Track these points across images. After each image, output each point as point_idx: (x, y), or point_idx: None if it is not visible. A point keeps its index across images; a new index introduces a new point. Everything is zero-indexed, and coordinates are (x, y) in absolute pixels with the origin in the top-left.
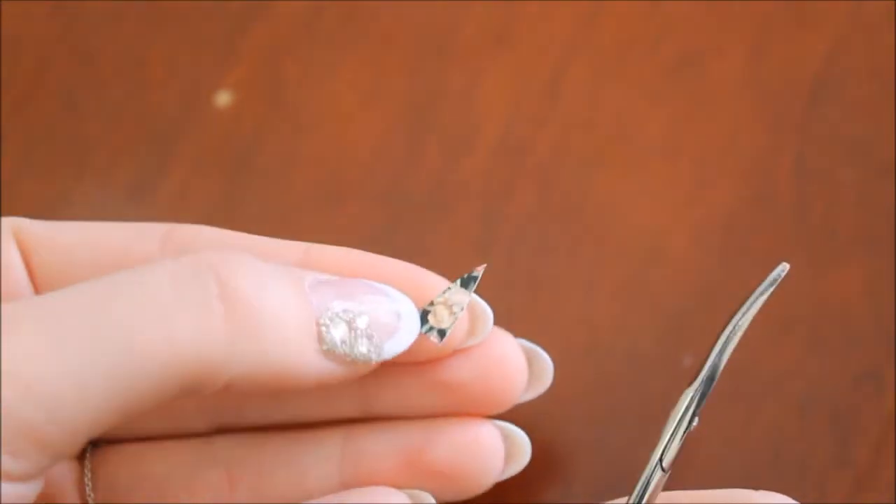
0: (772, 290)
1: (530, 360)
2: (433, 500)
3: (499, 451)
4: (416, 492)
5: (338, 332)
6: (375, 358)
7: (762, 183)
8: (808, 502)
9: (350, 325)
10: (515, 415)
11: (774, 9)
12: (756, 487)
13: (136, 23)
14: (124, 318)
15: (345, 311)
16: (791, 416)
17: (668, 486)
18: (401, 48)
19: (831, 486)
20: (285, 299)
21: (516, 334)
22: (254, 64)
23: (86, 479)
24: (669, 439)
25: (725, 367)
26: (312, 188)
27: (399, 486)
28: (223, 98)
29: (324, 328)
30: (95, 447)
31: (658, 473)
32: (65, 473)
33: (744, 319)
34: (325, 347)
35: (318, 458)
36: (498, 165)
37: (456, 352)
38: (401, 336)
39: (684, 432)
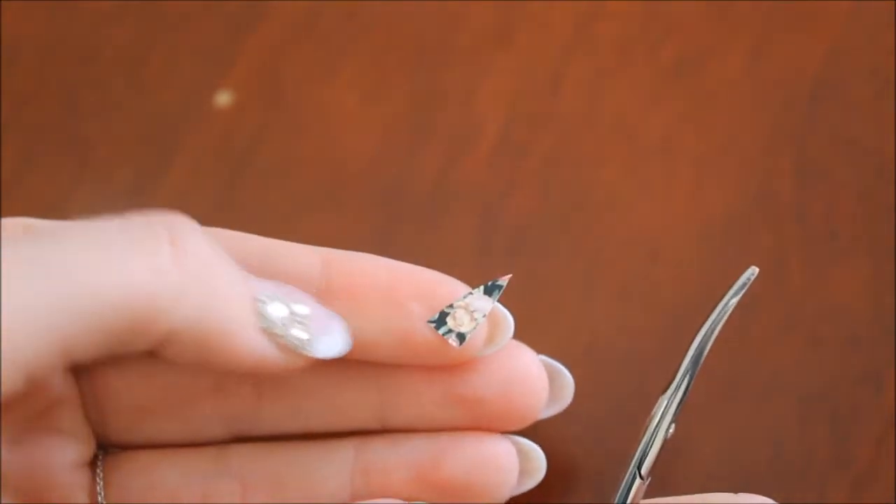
0: (741, 293)
1: (551, 377)
2: None
3: (513, 467)
4: None
5: (276, 311)
6: (310, 349)
7: (762, 183)
8: (808, 502)
9: (288, 308)
10: None
11: (774, 9)
12: (756, 488)
13: (136, 23)
14: (70, 252)
15: (284, 295)
16: (791, 416)
17: (669, 486)
18: (401, 48)
19: (831, 486)
20: (229, 269)
21: (516, 335)
22: (254, 64)
23: (98, 488)
24: (646, 447)
25: (725, 368)
26: (312, 188)
27: (409, 500)
28: (223, 98)
29: (262, 304)
30: (107, 454)
31: (637, 482)
32: (76, 480)
33: (715, 324)
34: (263, 324)
35: (331, 469)
36: (498, 165)
37: (475, 362)
38: (334, 339)
39: (662, 440)
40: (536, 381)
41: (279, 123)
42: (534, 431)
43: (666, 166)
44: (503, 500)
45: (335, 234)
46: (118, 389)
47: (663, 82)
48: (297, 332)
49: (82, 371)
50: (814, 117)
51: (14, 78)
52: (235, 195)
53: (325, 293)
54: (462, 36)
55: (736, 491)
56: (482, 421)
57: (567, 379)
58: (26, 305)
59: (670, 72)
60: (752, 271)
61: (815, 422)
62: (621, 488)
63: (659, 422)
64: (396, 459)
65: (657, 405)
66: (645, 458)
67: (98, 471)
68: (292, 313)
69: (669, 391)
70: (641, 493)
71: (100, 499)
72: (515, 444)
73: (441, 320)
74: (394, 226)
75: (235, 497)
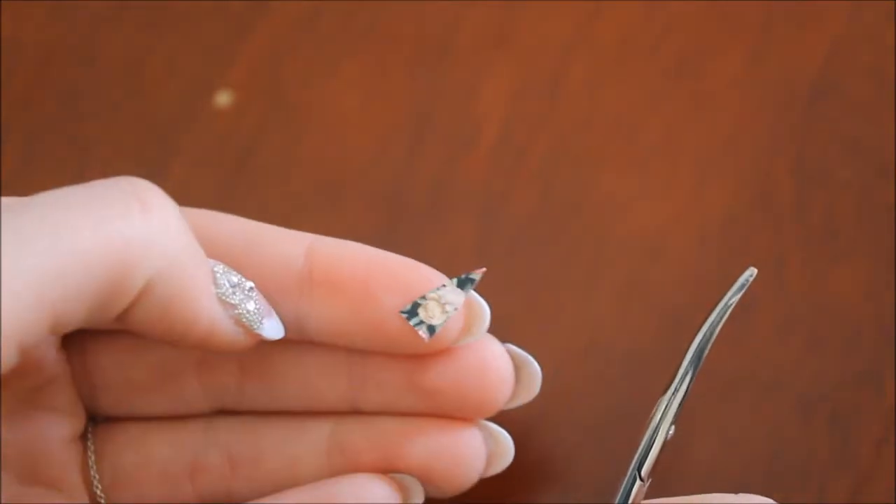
0: (740, 294)
1: (519, 367)
2: (419, 486)
3: (477, 454)
4: (404, 476)
5: (230, 280)
6: (257, 326)
7: (762, 183)
8: (808, 502)
9: (240, 281)
10: (514, 415)
11: (774, 9)
12: (756, 488)
13: (136, 23)
14: (46, 218)
15: (236, 272)
16: (791, 416)
17: (669, 486)
18: (401, 48)
19: (831, 487)
20: (191, 235)
21: (516, 335)
22: (254, 64)
23: (90, 461)
24: (645, 449)
25: (725, 368)
26: (312, 188)
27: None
28: (223, 98)
29: (218, 274)
30: (97, 425)
31: (636, 484)
32: (69, 455)
33: (714, 326)
34: (218, 291)
35: (309, 446)
36: (498, 165)
37: (444, 351)
38: (275, 322)
39: (662, 441)
40: (495, 372)
41: (279, 123)
42: (532, 430)
43: (666, 166)
44: (469, 485)
45: (335, 234)
46: (107, 366)
47: (663, 82)
48: (249, 305)
49: (72, 349)
50: (814, 117)
51: (14, 78)
52: (235, 195)
53: (306, 281)
54: (462, 36)
55: (736, 491)
56: (442, 410)
57: (534, 369)
58: (14, 275)
59: (670, 72)
60: (751, 272)
61: (815, 422)
62: (621, 490)
63: (658, 423)
64: (366, 441)
65: (656, 406)
66: (645, 459)
67: (89, 443)
68: (244, 288)
69: (668, 393)
70: (642, 495)
71: (92, 472)
72: (484, 428)
73: (413, 311)
74: (394, 226)
75: (224, 469)
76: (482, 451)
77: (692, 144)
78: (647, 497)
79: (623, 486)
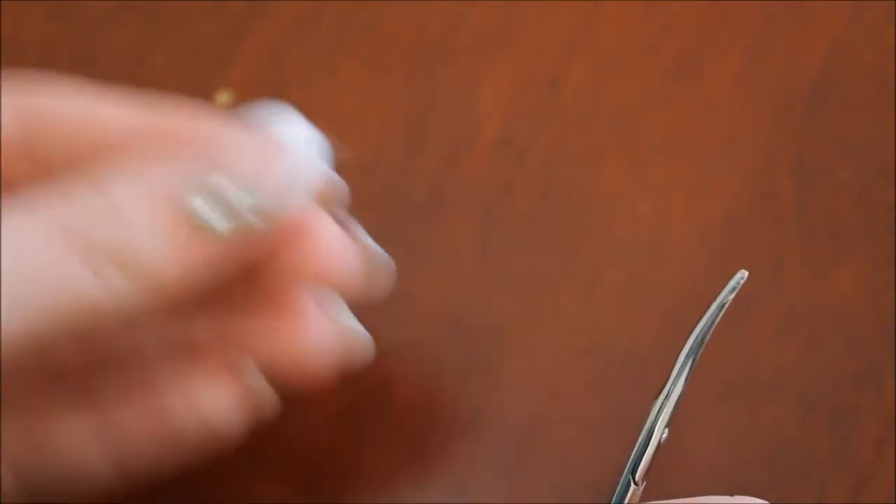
0: (732, 297)
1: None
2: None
3: (328, 345)
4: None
5: (206, 204)
6: (268, 214)
7: (762, 183)
8: (808, 503)
9: (216, 187)
10: (514, 415)
11: (774, 9)
12: (755, 489)
13: (136, 23)
14: None
15: (204, 172)
16: (791, 416)
17: (666, 487)
18: (401, 48)
19: (831, 487)
20: (141, 204)
21: (516, 335)
22: (254, 64)
23: None
24: (639, 452)
25: (724, 368)
26: None
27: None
28: (223, 98)
29: (184, 201)
30: None
31: (631, 488)
32: None
33: (705, 330)
34: (194, 228)
35: None
36: (498, 165)
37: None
38: (296, 184)
39: (656, 444)
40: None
41: None
42: (531, 430)
43: (666, 166)
44: (328, 378)
45: None
46: None
47: (663, 82)
48: (244, 201)
49: None
50: (814, 117)
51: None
52: None
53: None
54: (462, 36)
55: (735, 492)
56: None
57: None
58: None
59: (670, 72)
60: (742, 275)
61: (815, 422)
62: (615, 495)
63: (652, 426)
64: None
65: (651, 410)
66: (639, 463)
67: None
68: (222, 190)
69: (661, 396)
70: (637, 499)
71: None
72: (335, 319)
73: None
74: (393, 226)
75: None
76: (332, 341)
77: (692, 144)
78: (644, 498)
79: (617, 490)
